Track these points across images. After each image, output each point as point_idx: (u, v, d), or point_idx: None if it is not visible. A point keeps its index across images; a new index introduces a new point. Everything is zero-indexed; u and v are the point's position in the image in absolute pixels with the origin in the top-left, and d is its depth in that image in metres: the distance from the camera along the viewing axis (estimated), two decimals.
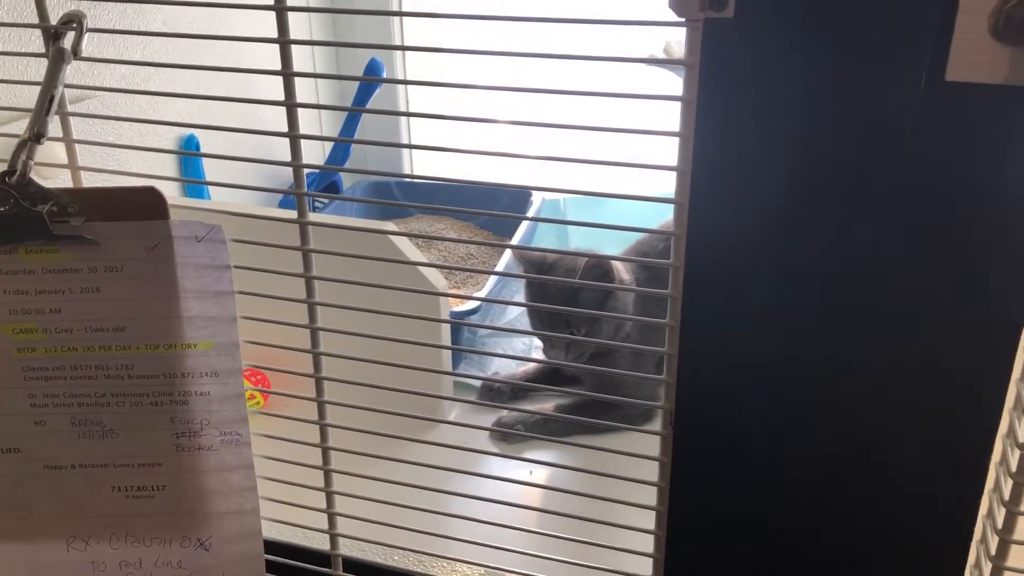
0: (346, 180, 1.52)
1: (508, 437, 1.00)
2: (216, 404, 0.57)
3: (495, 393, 1.08)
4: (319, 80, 1.49)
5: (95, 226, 0.53)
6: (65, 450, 0.58)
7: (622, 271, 1.05)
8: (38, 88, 0.53)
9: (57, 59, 0.53)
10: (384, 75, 1.37)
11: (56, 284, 0.55)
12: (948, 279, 0.46)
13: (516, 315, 1.26)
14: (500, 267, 1.25)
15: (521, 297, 1.22)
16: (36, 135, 0.52)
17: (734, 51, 0.44)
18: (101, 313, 0.55)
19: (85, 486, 0.59)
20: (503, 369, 1.16)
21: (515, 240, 1.30)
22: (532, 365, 1.14)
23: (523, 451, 0.98)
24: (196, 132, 1.19)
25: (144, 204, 0.53)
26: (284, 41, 0.53)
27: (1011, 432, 0.50)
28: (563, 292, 1.02)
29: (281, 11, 0.52)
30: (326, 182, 1.44)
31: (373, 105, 1.40)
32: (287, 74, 0.53)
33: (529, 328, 1.15)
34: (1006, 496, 0.50)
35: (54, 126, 0.54)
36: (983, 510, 0.51)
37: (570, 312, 1.01)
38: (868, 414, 0.50)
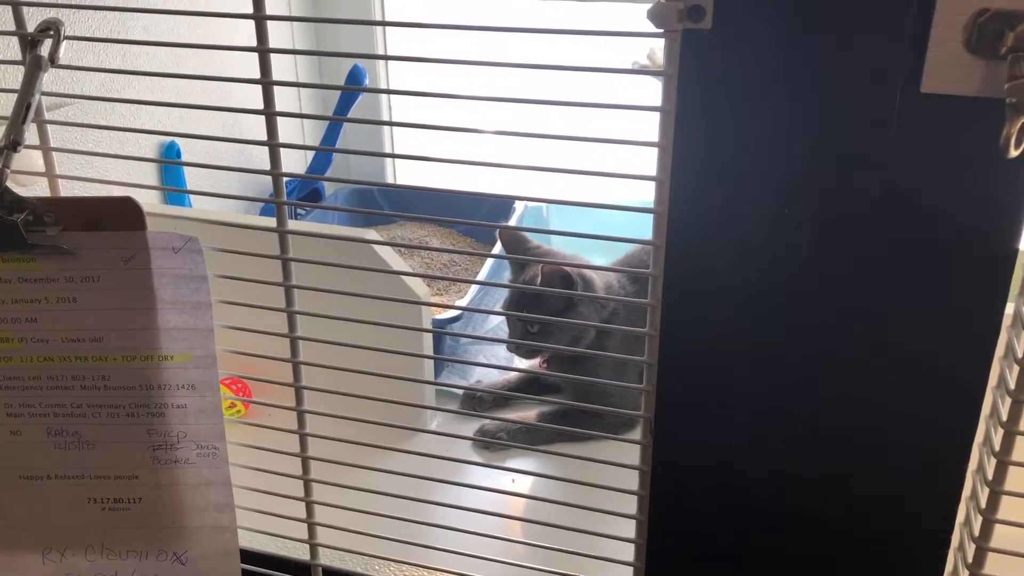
0: (328, 186, 1.51)
1: (491, 446, 0.99)
2: (193, 417, 0.57)
3: (477, 401, 1.08)
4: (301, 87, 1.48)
5: (71, 236, 0.53)
6: (41, 460, 0.58)
7: (595, 280, 1.05)
8: (15, 95, 0.52)
9: (34, 67, 0.53)
10: (367, 82, 1.37)
11: (32, 293, 0.54)
12: (922, 286, 0.46)
13: (498, 323, 1.26)
14: (484, 270, 1.25)
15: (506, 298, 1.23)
16: (12, 143, 0.52)
17: (712, 62, 0.44)
18: (77, 323, 0.55)
19: (61, 497, 0.59)
20: (485, 377, 1.16)
21: (497, 246, 1.30)
22: (515, 373, 1.14)
23: (505, 459, 0.98)
24: (177, 139, 1.18)
25: (121, 214, 0.52)
26: (263, 49, 0.52)
27: (987, 440, 0.50)
28: (525, 295, 1.03)
29: (260, 20, 0.52)
30: (308, 189, 1.44)
31: (356, 110, 1.39)
32: (266, 83, 0.53)
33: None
34: (983, 504, 0.50)
35: (31, 134, 0.53)
36: (960, 517, 0.52)
37: (560, 321, 1.01)
38: (848, 421, 0.50)
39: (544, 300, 1.02)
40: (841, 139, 0.44)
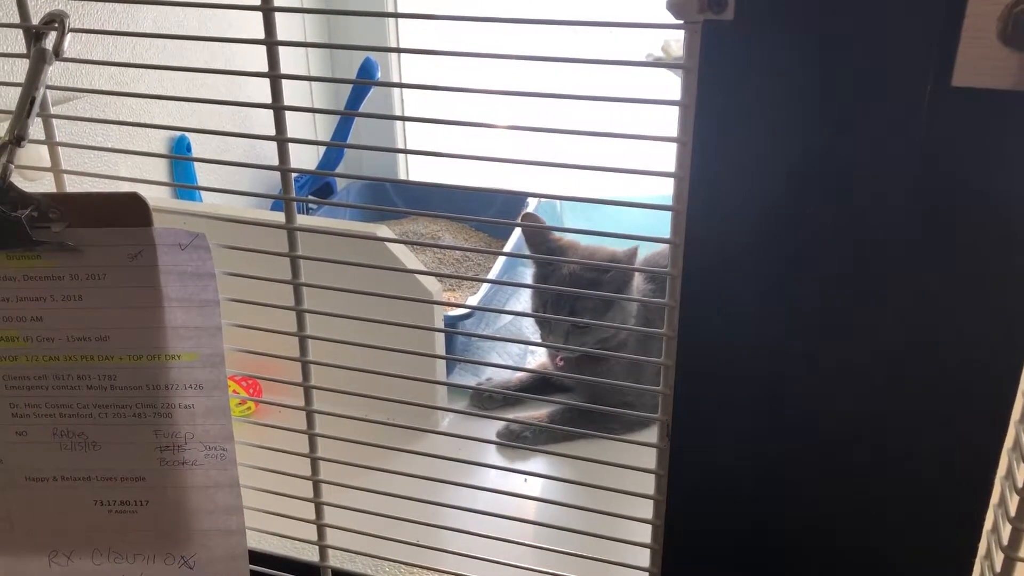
0: (340, 181, 1.51)
1: (502, 446, 0.98)
2: (201, 417, 0.56)
3: (486, 400, 1.07)
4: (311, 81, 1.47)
5: (77, 232, 0.52)
6: (47, 462, 0.57)
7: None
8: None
9: (38, 60, 0.52)
10: (378, 75, 1.35)
11: (37, 291, 0.54)
12: (953, 287, 0.44)
13: (510, 319, 1.25)
14: (497, 267, 1.23)
15: (522, 292, 1.20)
16: (16, 138, 0.51)
17: (733, 54, 0.43)
18: (83, 322, 0.54)
19: (67, 499, 0.58)
20: (495, 375, 1.15)
21: (510, 242, 1.29)
22: (523, 372, 1.12)
23: (516, 460, 0.97)
24: (187, 134, 1.18)
25: (127, 210, 0.51)
26: (271, 42, 0.51)
27: (1017, 445, 0.49)
28: (574, 280, 1.00)
29: (268, 11, 0.50)
30: (320, 183, 1.43)
31: (368, 103, 1.38)
32: (274, 76, 0.52)
33: (524, 332, 1.14)
34: (1012, 511, 0.49)
35: (38, 128, 0.52)
36: (988, 524, 0.50)
37: (580, 294, 0.99)
38: (869, 427, 0.49)
39: (588, 296, 0.99)
40: (868, 135, 0.43)
